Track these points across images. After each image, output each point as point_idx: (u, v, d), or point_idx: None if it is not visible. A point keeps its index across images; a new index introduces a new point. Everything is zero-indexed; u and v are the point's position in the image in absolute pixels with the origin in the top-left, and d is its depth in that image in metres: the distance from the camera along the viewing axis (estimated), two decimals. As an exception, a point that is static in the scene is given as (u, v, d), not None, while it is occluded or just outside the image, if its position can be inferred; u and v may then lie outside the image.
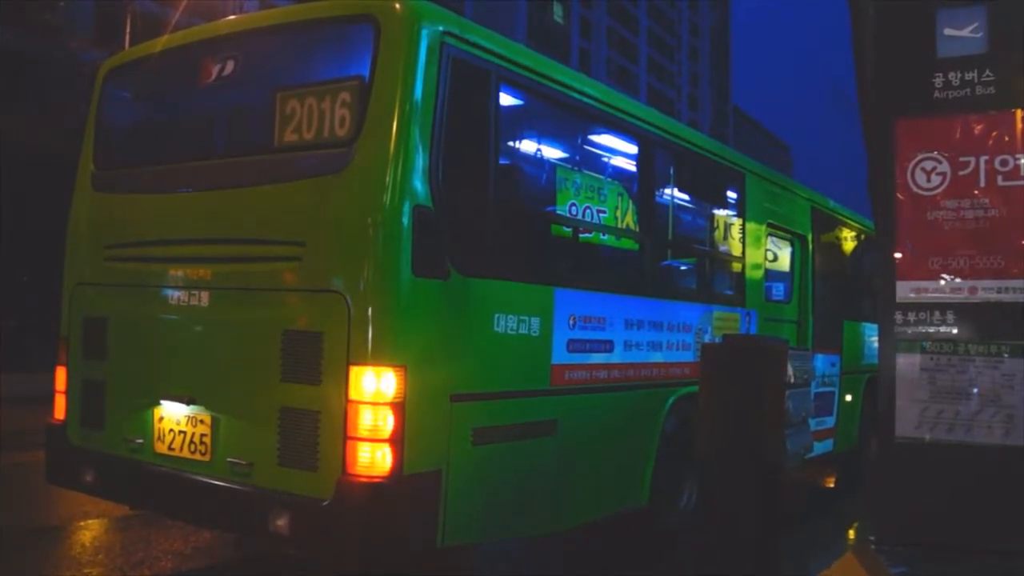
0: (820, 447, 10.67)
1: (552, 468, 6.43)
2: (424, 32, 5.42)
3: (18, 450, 12.39)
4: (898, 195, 6.40)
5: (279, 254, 5.50)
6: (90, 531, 8.09)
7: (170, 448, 5.97)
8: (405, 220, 5.17)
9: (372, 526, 5.12)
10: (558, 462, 6.49)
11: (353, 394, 5.08)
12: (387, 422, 5.06)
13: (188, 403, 5.88)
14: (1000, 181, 6.14)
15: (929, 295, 6.32)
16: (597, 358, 6.94)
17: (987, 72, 6.24)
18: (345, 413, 5.09)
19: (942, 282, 6.27)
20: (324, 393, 5.21)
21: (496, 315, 5.84)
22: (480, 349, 5.71)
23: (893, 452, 6.39)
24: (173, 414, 5.97)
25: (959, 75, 6.31)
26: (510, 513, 5.98)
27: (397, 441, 5.07)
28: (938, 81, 6.35)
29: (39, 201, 26.13)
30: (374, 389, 5.07)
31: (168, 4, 30.13)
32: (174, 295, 6.01)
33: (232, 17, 6.84)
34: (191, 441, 5.84)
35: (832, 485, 12.67)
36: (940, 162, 6.27)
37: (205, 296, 5.81)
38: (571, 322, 6.54)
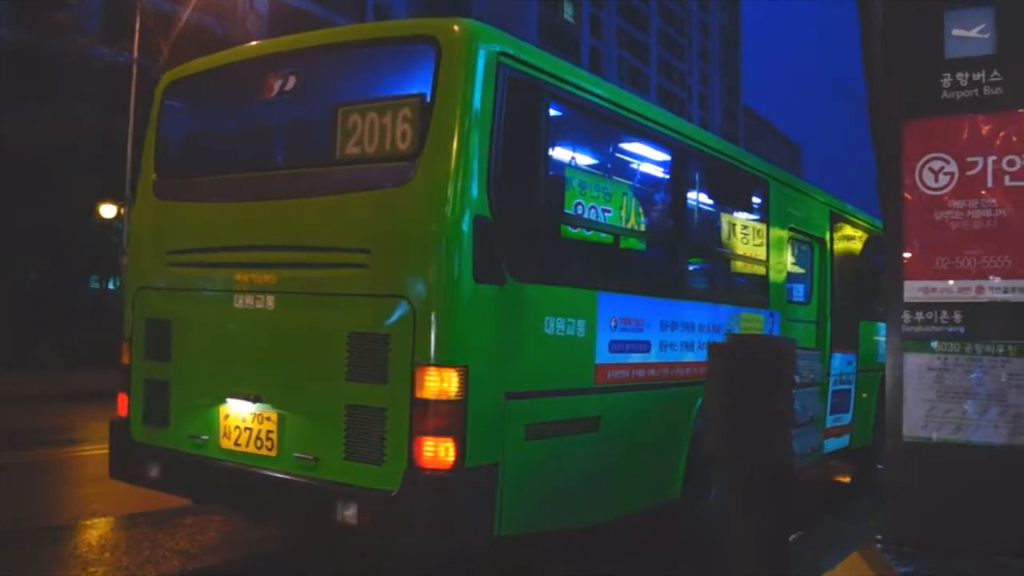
0: (837, 443, 11.01)
1: (595, 462, 6.70)
2: (482, 52, 5.73)
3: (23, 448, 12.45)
4: (906, 195, 6.44)
5: (345, 261, 5.79)
6: (96, 530, 8.12)
7: (236, 444, 6.24)
8: (466, 229, 5.48)
9: (437, 515, 5.44)
10: (600, 456, 6.76)
11: (419, 393, 5.38)
12: (451, 419, 5.37)
13: (254, 401, 6.17)
14: (1008, 181, 6.18)
15: (937, 294, 6.37)
16: (635, 358, 7.21)
17: (995, 73, 6.28)
18: (411, 410, 5.40)
19: (950, 282, 6.32)
20: (390, 391, 5.51)
21: (547, 318, 6.17)
22: (532, 350, 6.02)
23: (900, 452, 6.44)
24: (239, 412, 6.26)
25: (967, 76, 6.35)
26: (559, 505, 6.25)
27: (460, 436, 5.38)
28: (946, 81, 6.39)
29: (43, 197, 26.31)
30: (439, 388, 5.37)
31: (178, 1, 30.31)
32: (239, 299, 6.28)
33: (294, 35, 7.00)
34: (257, 437, 6.13)
35: (847, 480, 12.68)
36: (948, 162, 6.31)
37: (271, 300, 6.11)
38: (612, 324, 6.84)
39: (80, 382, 22.01)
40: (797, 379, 6.70)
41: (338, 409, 5.71)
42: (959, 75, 6.36)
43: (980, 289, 6.25)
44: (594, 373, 6.70)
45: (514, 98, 5.88)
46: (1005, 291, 6.19)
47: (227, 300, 6.36)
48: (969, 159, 6.27)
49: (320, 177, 6.17)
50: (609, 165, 7.55)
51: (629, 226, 7.45)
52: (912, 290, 6.45)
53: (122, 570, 6.92)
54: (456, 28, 5.72)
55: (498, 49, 5.87)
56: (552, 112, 6.48)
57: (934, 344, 6.36)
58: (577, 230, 6.84)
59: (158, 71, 27.94)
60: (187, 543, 7.65)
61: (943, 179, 6.34)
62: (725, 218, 9.04)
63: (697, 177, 8.40)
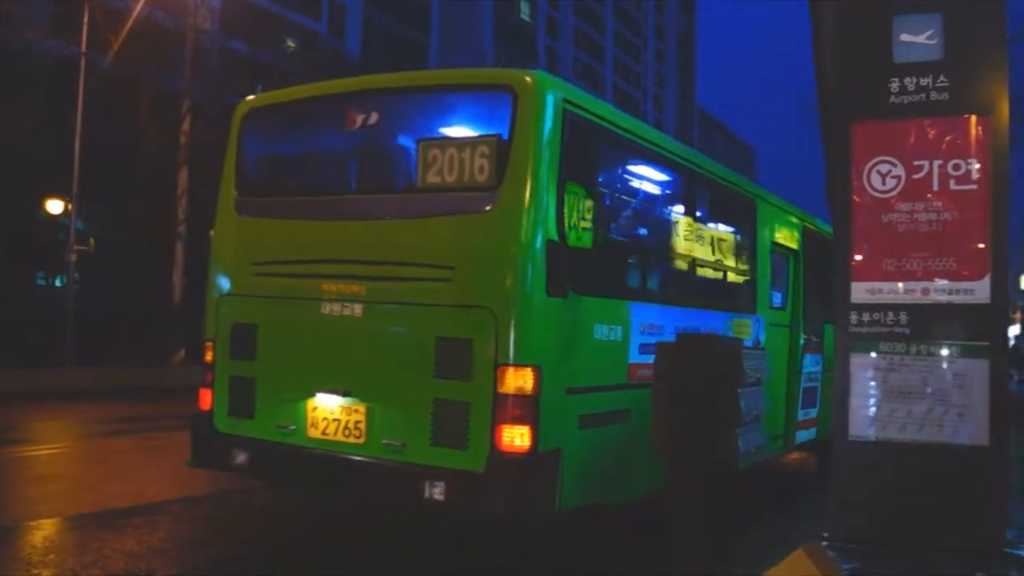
0: (806, 434, 12.06)
1: (627, 448, 7.54)
2: (551, 99, 6.71)
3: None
4: (854, 197, 6.54)
5: (431, 275, 6.73)
6: (41, 531, 8.04)
7: (323, 433, 7.07)
8: (540, 251, 6.48)
9: (516, 492, 6.43)
10: (631, 443, 7.53)
11: (501, 388, 6.39)
12: (527, 410, 6.35)
13: (344, 395, 7.02)
14: (953, 185, 6.30)
15: (883, 296, 6.47)
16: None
17: (941, 78, 6.40)
18: (494, 403, 6.40)
19: (896, 283, 6.42)
20: (473, 387, 6.46)
21: (596, 325, 7.18)
22: (586, 352, 6.98)
23: (847, 451, 6.53)
24: (327, 405, 7.09)
25: (915, 80, 6.47)
26: (602, 483, 7.09)
27: (534, 425, 6.37)
28: (894, 86, 6.51)
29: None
30: (518, 384, 6.37)
31: (127, -4, 29.95)
32: (326, 306, 7.15)
33: (376, 76, 8.01)
34: (345, 427, 6.99)
35: (813, 469, 12.94)
36: (895, 165, 6.42)
37: (358, 308, 7.00)
38: (641, 329, 7.78)
39: (25, 382, 21.73)
40: (744, 379, 6.85)
41: (425, 402, 6.61)
42: (907, 80, 6.47)
43: (926, 291, 6.35)
44: (627, 371, 7.65)
45: (574, 138, 6.86)
46: (950, 293, 6.30)
47: (314, 307, 7.21)
48: (915, 163, 6.38)
49: (403, 202, 7.17)
50: (643, 192, 8.62)
51: (655, 244, 8.61)
52: (859, 291, 6.54)
53: (68, 572, 6.85)
54: (528, 79, 6.72)
55: (563, 96, 6.86)
56: (602, 149, 7.61)
57: (880, 345, 6.45)
58: (618, 249, 7.94)
59: (107, 64, 27.67)
60: (134, 544, 7.59)
61: (890, 182, 6.44)
62: (725, 235, 10.14)
63: (707, 200, 9.61)
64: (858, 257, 6.56)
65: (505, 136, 6.63)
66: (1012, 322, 74.24)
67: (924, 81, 6.44)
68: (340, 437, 7.03)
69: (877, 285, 6.49)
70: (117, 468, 10.92)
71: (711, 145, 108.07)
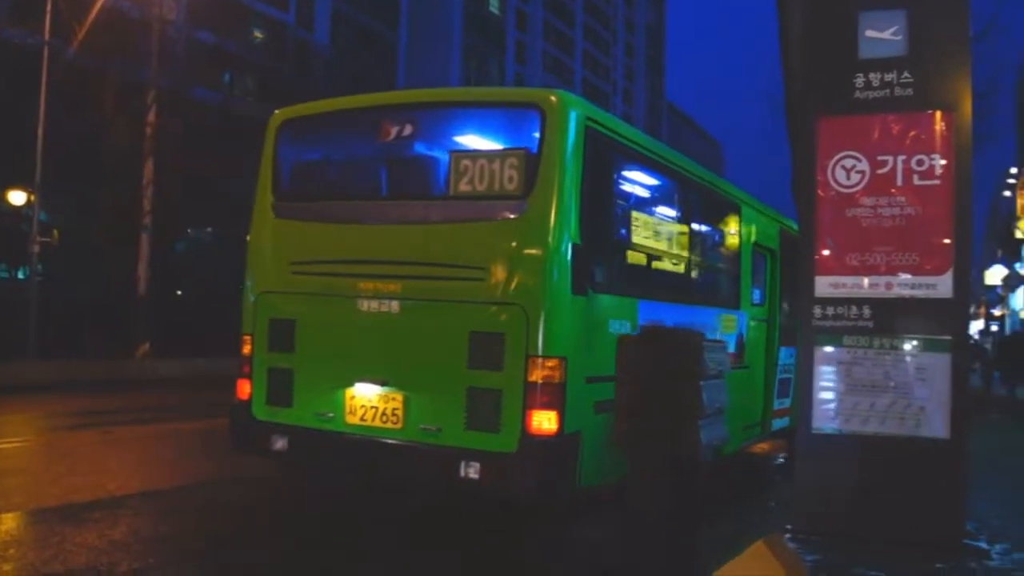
0: (780, 423, 12.58)
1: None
2: (575, 117, 7.30)
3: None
4: (819, 192, 6.62)
5: (464, 275, 7.29)
6: (2, 525, 7.89)
7: (361, 419, 7.59)
8: (566, 254, 7.07)
9: (545, 471, 6.97)
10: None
11: (531, 377, 6.93)
12: (555, 397, 6.92)
13: (382, 385, 7.54)
14: (916, 180, 6.39)
15: (847, 290, 6.56)
16: None
17: (906, 74, 6.49)
18: (524, 391, 6.94)
19: (860, 278, 6.50)
20: (505, 376, 7.01)
21: (610, 320, 7.69)
22: (602, 345, 7.33)
23: (810, 444, 6.64)
24: (365, 393, 7.61)
25: (879, 76, 6.55)
26: (611, 464, 7.33)
27: (560, 410, 6.93)
28: (859, 81, 6.59)
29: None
30: (546, 374, 6.93)
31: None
32: (363, 303, 7.67)
33: (411, 91, 8.66)
34: (383, 414, 7.54)
35: (781, 462, 13.03)
36: (859, 160, 6.49)
37: (395, 304, 7.53)
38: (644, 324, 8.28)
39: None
40: (706, 371, 6.74)
41: (459, 390, 7.15)
42: (872, 75, 6.55)
43: (889, 285, 6.45)
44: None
45: (593, 151, 7.44)
46: (913, 287, 6.40)
47: (352, 304, 7.73)
48: (880, 158, 6.47)
49: (436, 208, 7.67)
50: (649, 199, 9.30)
51: (658, 247, 9.13)
52: (823, 285, 6.63)
53: (28, 566, 6.70)
54: (554, 98, 7.32)
55: (584, 114, 7.44)
56: (615, 160, 8.24)
57: (844, 338, 6.54)
58: (628, 252, 8.46)
59: (71, 54, 27.37)
60: (96, 539, 7.51)
61: (855, 177, 6.51)
62: (715, 237, 10.95)
63: (702, 206, 10.35)
64: (823, 251, 6.64)
65: (533, 150, 7.24)
66: (976, 317, 75.05)
67: (888, 77, 6.52)
68: (378, 423, 7.57)
69: (841, 279, 6.58)
70: (80, 462, 10.80)
71: (679, 139, 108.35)
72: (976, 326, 70.35)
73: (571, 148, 7.25)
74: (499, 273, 7.17)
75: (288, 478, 9.97)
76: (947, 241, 6.34)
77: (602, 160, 7.77)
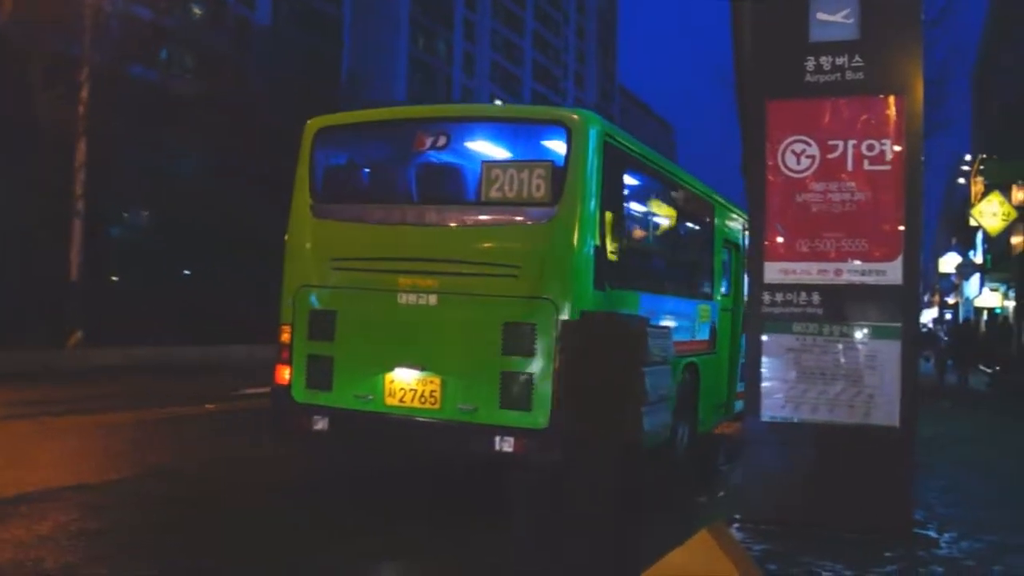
0: (740, 404, 13.41)
1: None
2: (598, 135, 8.35)
3: None
4: (769, 176, 6.68)
5: (498, 272, 8.25)
6: (-72, 518, 7.76)
7: (401, 401, 8.54)
8: (590, 255, 8.08)
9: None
10: None
11: (558, 364, 7.66)
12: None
13: (421, 370, 8.47)
14: (867, 165, 6.46)
15: (796, 276, 6.64)
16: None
17: (857, 58, 6.55)
18: (553, 374, 7.70)
19: (810, 264, 6.57)
20: (536, 361, 7.86)
21: (621, 312, 8.56)
22: None
23: (759, 431, 6.72)
24: (403, 377, 8.54)
25: (830, 60, 6.60)
26: None
27: None
28: (810, 65, 6.64)
29: None
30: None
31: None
32: (402, 296, 8.62)
33: (445, 106, 10.35)
34: (422, 395, 8.46)
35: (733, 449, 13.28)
36: (810, 145, 6.55)
37: (433, 298, 8.48)
38: (647, 315, 9.06)
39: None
40: (649, 357, 7.02)
41: (493, 374, 8.04)
42: (823, 59, 6.60)
43: (839, 271, 6.53)
44: None
45: (610, 164, 8.50)
46: (863, 273, 6.48)
47: (391, 297, 8.65)
48: (830, 142, 6.52)
49: (470, 212, 8.71)
50: (649, 203, 10.61)
51: (655, 245, 10.70)
52: (772, 272, 6.71)
53: (-48, 562, 6.63)
54: (579, 118, 8.39)
55: (604, 132, 8.51)
56: (626, 173, 9.40)
57: (793, 325, 6.62)
58: (634, 250, 9.68)
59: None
60: (23, 533, 7.37)
61: (805, 161, 6.58)
62: (697, 235, 12.38)
63: (689, 209, 11.76)
64: (772, 237, 6.70)
65: (559, 162, 8.27)
66: (930, 305, 75.95)
67: (840, 60, 6.57)
68: (417, 404, 8.50)
69: (790, 265, 6.65)
70: (8, 454, 10.63)
71: (631, 123, 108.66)
72: (930, 314, 71.20)
73: (594, 161, 8.32)
74: (530, 271, 8.11)
75: (227, 473, 9.93)
76: (898, 228, 6.41)
77: (616, 171, 8.89)
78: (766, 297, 6.69)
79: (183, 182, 34.89)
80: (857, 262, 6.47)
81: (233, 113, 34.56)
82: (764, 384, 6.72)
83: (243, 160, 33.91)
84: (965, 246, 54.47)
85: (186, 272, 36.57)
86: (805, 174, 6.58)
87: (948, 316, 64.08)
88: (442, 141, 9.10)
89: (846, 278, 6.50)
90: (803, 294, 6.58)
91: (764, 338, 6.73)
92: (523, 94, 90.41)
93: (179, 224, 33.52)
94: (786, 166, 6.62)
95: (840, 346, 6.51)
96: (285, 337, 9.25)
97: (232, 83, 38.77)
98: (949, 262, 53.16)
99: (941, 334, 42.40)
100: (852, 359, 6.48)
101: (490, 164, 8.64)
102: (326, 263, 9.21)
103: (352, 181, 10.06)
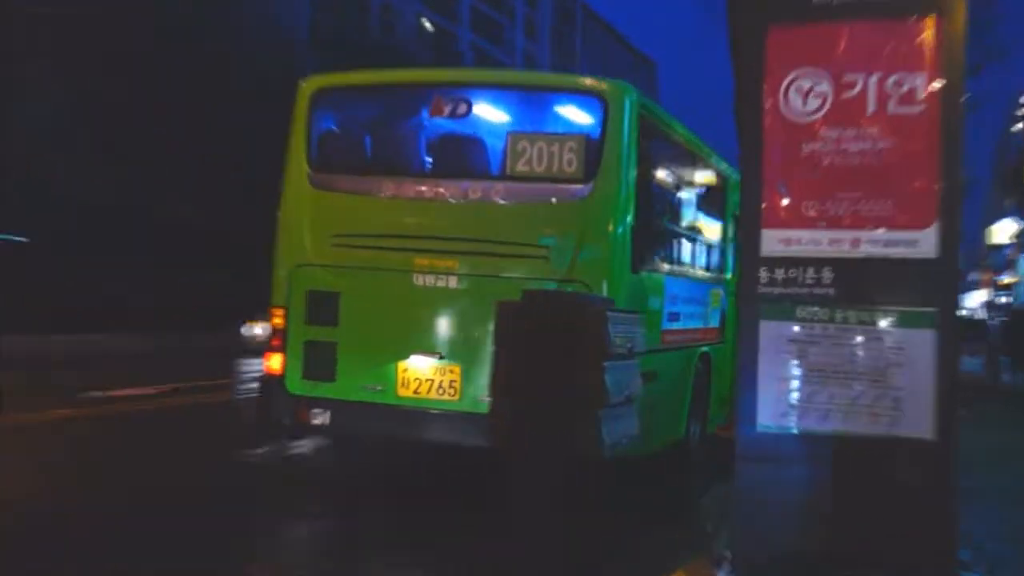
0: None
1: (653, 405, 9.75)
2: (635, 106, 9.40)
3: None
4: (767, 121, 6.54)
5: (526, 253, 9.27)
6: None
7: (415, 392, 9.50)
8: (627, 234, 9.21)
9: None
10: (656, 401, 10.04)
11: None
12: None
13: (439, 358, 9.43)
14: (893, 107, 6.30)
15: (802, 247, 6.49)
16: (674, 325, 11.19)
17: (881, -33, 6.25)
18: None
19: (819, 232, 6.44)
20: None
21: (649, 296, 10.04)
22: (646, 321, 8.69)
23: (754, 445, 6.59)
24: (419, 366, 9.48)
25: (847, -28, 6.31)
26: (639, 435, 8.28)
27: None
28: (820, -22, 6.34)
29: None
30: None
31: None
32: (418, 278, 9.52)
33: (466, 69, 12.65)
34: (440, 386, 9.45)
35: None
36: (820, 81, 6.41)
37: (452, 280, 9.41)
38: (671, 299, 10.90)
39: None
40: (611, 348, 6.90)
41: None
42: (837, -29, 6.28)
43: (856, 242, 6.39)
44: (660, 336, 10.54)
45: (644, 138, 9.55)
46: (886, 245, 6.33)
47: (405, 278, 9.56)
48: (847, 77, 6.38)
49: (495, 187, 9.63)
50: (676, 180, 11.99)
51: (681, 226, 12.06)
52: (771, 242, 6.57)
53: None
54: (616, 89, 9.47)
55: (640, 102, 9.55)
56: (658, 146, 10.53)
57: (797, 310, 6.50)
58: (662, 230, 11.03)
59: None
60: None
61: (813, 102, 6.43)
62: (714, 213, 13.71)
63: (709, 184, 13.12)
64: (771, 198, 6.57)
65: (593, 136, 9.26)
66: (978, 286, 75.19)
67: (859, -28, 6.26)
68: (434, 395, 9.45)
69: (794, 234, 6.52)
70: None
71: (600, 56, 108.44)
72: (978, 297, 70.27)
73: (631, 135, 9.27)
74: (562, 252, 9.09)
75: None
76: (933, 185, 6.26)
77: (649, 146, 9.88)
78: (763, 274, 6.54)
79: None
80: (880, 230, 6.33)
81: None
82: (760, 385, 6.56)
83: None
84: (1023, 209, 54.00)
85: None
86: (814, 118, 6.44)
87: (1002, 299, 63.48)
88: (462, 108, 10.04)
89: (865, 250, 6.36)
90: (810, 270, 6.46)
91: (760, 326, 6.57)
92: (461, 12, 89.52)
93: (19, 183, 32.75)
94: (790, 108, 6.48)
95: (858, 337, 6.38)
96: (277, 321, 10.11)
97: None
98: (1003, 230, 52.70)
99: (992, 322, 42.34)
100: (873, 353, 6.35)
101: (517, 135, 9.54)
102: (328, 239, 10.04)
103: (357, 149, 10.89)
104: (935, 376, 6.27)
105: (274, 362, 10.06)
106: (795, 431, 6.51)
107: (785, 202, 6.54)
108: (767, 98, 6.53)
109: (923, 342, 6.28)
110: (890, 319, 6.36)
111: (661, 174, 11.16)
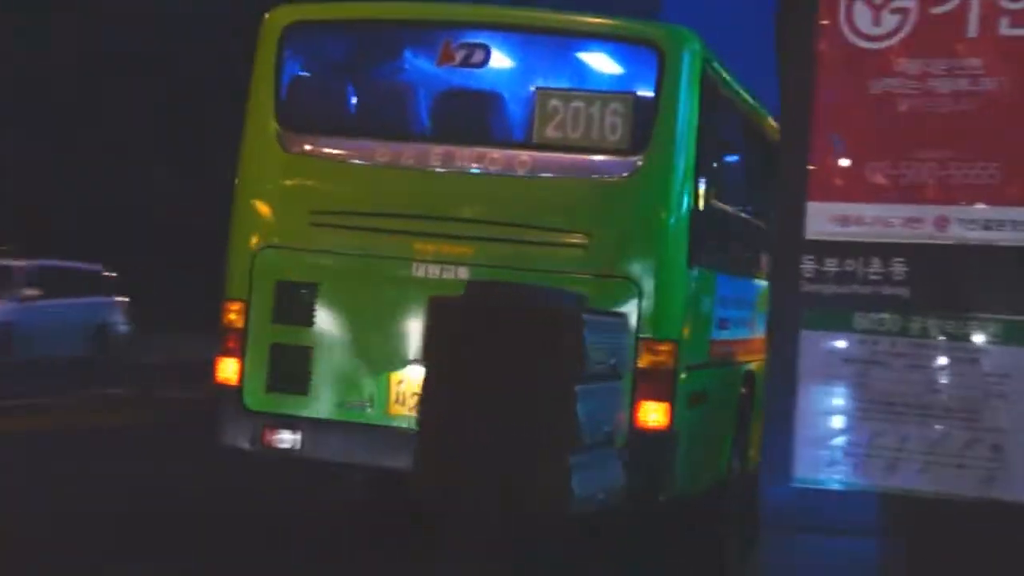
0: None
1: (704, 433, 8.97)
2: (699, 61, 8.15)
3: None
4: (822, 46, 5.52)
5: (559, 240, 8.16)
6: None
7: (412, 410, 7.86)
8: (686, 221, 8.01)
9: (655, 471, 7.83)
10: (707, 428, 9.04)
11: (642, 363, 7.72)
12: (667, 386, 7.86)
13: None
14: (1005, 28, 5.27)
15: (865, 228, 5.45)
16: (724, 334, 9.81)
17: None
18: (634, 379, 7.63)
19: (890, 206, 5.40)
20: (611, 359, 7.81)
21: (703, 296, 8.80)
22: (697, 327, 8.58)
23: (786, 508, 5.82)
24: (418, 379, 7.65)
25: None
26: (689, 472, 8.39)
27: (672, 402, 7.83)
28: None
29: None
30: (660, 359, 7.83)
31: None
32: (419, 267, 8.23)
33: (483, 7, 9.50)
34: None
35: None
36: (900, -9, 5.29)
37: (463, 271, 8.03)
38: (722, 302, 9.57)
39: None
40: (588, 366, 6.21)
41: None
42: None
43: (943, 221, 5.31)
44: (709, 349, 9.21)
45: (708, 102, 8.29)
46: (987, 226, 5.27)
47: (402, 268, 8.28)
48: (938, -13, 5.34)
49: (520, 157, 8.39)
50: (739, 157, 10.84)
51: (738, 213, 10.46)
52: (820, 219, 5.52)
53: None
54: (677, 37, 8.20)
55: (704, 56, 8.33)
56: (723, 113, 9.26)
57: (856, 317, 5.45)
58: (720, 218, 9.60)
59: None
60: None
61: (890, 20, 5.38)
62: (763, 192, 11.54)
63: (767, 159, 10.96)
64: (821, 158, 5.56)
65: (646, 96, 8.03)
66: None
67: None
68: None
69: (854, 209, 5.51)
70: None
71: None
72: None
73: (694, 98, 8.08)
74: (605, 240, 7.99)
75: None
76: None
77: (713, 112, 8.65)
78: (808, 265, 5.43)
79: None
80: (979, 205, 5.23)
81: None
82: (798, 423, 5.44)
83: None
84: None
85: None
86: (888, 43, 5.35)
87: None
88: (478, 56, 8.74)
89: (956, 233, 5.24)
90: (875, 261, 5.36)
91: (802, 339, 5.45)
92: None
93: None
94: (854, 28, 5.39)
95: (943, 357, 5.31)
96: (232, 318, 8.81)
97: None
98: None
99: None
100: (964, 381, 5.25)
101: (547, 92, 8.37)
102: (303, 216, 8.74)
103: (341, 104, 9.49)
104: (1053, 415, 5.18)
105: (227, 370, 8.69)
106: (846, 488, 5.47)
107: (843, 163, 5.52)
108: (823, 14, 5.47)
109: (1038, 363, 5.24)
110: (990, 333, 5.31)
111: (723, 147, 9.90)
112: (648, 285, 7.86)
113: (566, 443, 5.98)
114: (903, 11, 5.30)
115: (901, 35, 5.33)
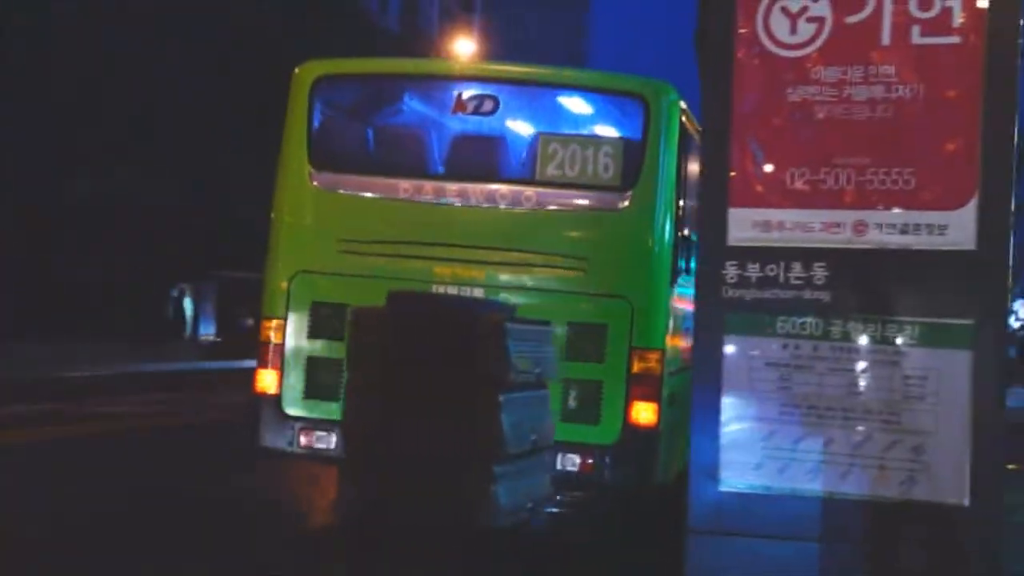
0: None
1: (674, 430, 9.85)
2: (676, 109, 9.41)
3: None
4: (740, 54, 5.52)
5: (561, 264, 9.30)
6: None
7: None
8: (670, 246, 9.27)
9: (646, 462, 9.12)
10: (676, 426, 9.83)
11: (635, 369, 9.01)
12: (655, 389, 9.05)
13: None
14: (917, 36, 5.28)
15: (785, 234, 5.49)
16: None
17: None
18: (627, 382, 9.01)
19: (809, 211, 5.42)
20: (606, 368, 9.07)
21: (685, 310, 9.84)
22: (675, 340, 9.62)
23: (714, 512, 5.49)
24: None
25: None
26: (665, 463, 9.49)
27: (659, 402, 9.01)
28: None
29: None
30: (649, 366, 9.05)
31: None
32: (440, 289, 9.31)
33: (493, 64, 11.60)
34: None
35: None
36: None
37: (479, 292, 9.23)
38: (692, 316, 10.21)
39: None
40: (512, 375, 6.41)
41: (556, 383, 8.62)
42: None
43: (861, 227, 5.34)
44: (681, 356, 10.22)
45: (683, 143, 9.62)
46: (904, 231, 5.28)
47: (424, 290, 9.27)
48: (854, -6, 5.37)
49: (527, 192, 9.56)
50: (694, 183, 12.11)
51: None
52: (742, 225, 5.54)
53: None
54: (658, 88, 9.50)
55: (680, 105, 9.55)
56: (690, 150, 10.13)
57: (778, 322, 5.46)
58: (691, 240, 10.64)
59: None
60: None
61: (806, 29, 5.40)
62: None
63: None
64: (742, 164, 5.57)
65: (634, 139, 9.36)
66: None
67: None
68: None
69: (774, 214, 5.50)
70: None
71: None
72: None
73: (674, 140, 9.36)
74: (601, 264, 9.20)
75: None
76: (972, 148, 5.18)
77: (687, 152, 9.94)
78: (730, 271, 5.44)
79: None
80: (895, 210, 5.25)
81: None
82: (723, 428, 5.45)
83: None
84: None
85: None
86: (806, 51, 5.37)
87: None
88: (487, 106, 9.99)
89: (874, 238, 5.27)
90: (796, 266, 5.38)
91: (725, 344, 5.49)
92: None
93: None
94: (772, 36, 5.40)
95: (863, 360, 5.32)
96: (271, 334, 9.79)
97: None
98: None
99: None
100: (884, 383, 5.25)
101: (548, 137, 9.66)
102: (334, 244, 9.78)
103: (365, 146, 10.82)
104: (971, 415, 5.18)
105: (266, 380, 9.72)
106: (771, 492, 5.41)
107: (763, 170, 5.50)
108: (741, 23, 5.49)
109: (955, 368, 5.24)
110: (908, 335, 5.30)
111: (690, 181, 10.91)
112: (638, 302, 9.01)
113: (490, 453, 6.05)
114: (819, 20, 5.32)
115: (818, 43, 5.35)
